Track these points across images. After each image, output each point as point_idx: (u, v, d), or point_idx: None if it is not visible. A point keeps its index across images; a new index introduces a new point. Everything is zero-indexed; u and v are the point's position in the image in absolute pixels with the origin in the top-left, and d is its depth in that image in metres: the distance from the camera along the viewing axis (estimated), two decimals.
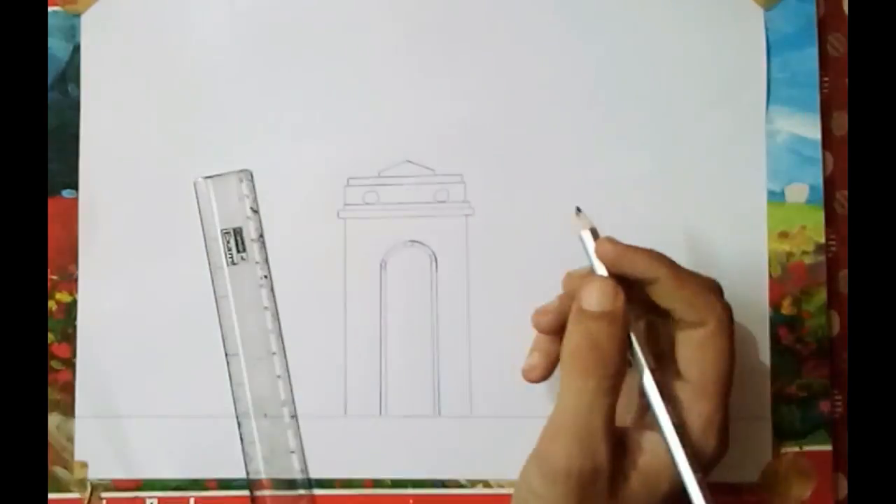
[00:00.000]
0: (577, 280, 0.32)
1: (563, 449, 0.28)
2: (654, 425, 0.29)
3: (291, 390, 0.38)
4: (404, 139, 0.38)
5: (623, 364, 0.29)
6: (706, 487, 0.28)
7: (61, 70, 0.39)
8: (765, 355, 0.37)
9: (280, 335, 0.38)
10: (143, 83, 0.39)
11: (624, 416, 0.31)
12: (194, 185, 0.38)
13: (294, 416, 0.37)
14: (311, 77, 0.38)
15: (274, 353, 0.38)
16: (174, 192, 0.38)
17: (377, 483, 0.37)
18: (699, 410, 0.29)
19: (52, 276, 0.38)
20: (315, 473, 0.37)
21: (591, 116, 0.38)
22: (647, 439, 0.30)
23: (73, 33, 0.39)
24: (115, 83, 0.39)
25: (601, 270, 0.31)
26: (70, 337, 0.38)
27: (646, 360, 0.30)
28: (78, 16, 0.39)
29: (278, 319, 0.38)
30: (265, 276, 0.38)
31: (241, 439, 0.37)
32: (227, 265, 0.38)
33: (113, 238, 0.39)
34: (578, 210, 0.32)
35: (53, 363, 0.38)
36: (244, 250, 0.38)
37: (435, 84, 0.38)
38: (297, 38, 0.39)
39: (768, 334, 0.37)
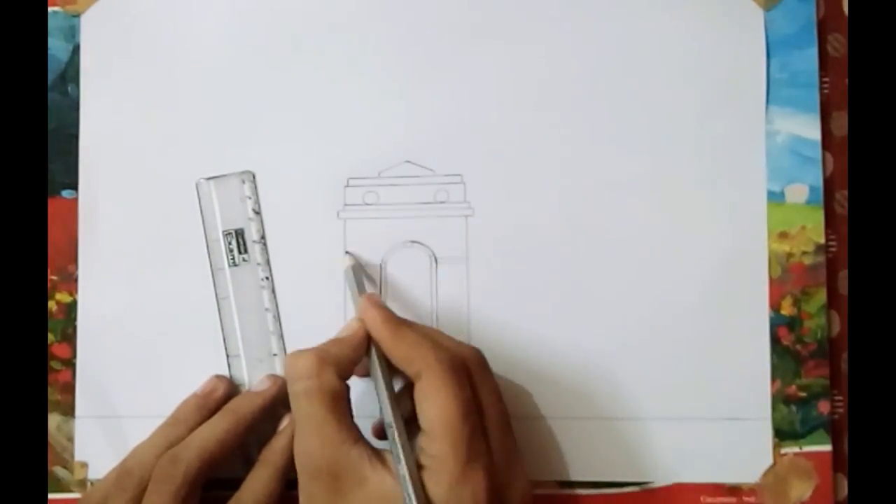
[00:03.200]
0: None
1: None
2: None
3: None
4: (404, 139, 0.38)
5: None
6: None
7: (61, 70, 0.39)
8: (765, 355, 0.37)
9: (281, 337, 0.38)
10: (143, 84, 0.39)
11: None
12: (196, 185, 0.38)
13: None
14: (311, 77, 0.38)
15: (275, 355, 0.38)
16: (174, 192, 0.38)
17: None
18: (431, 452, 0.30)
19: (52, 277, 0.38)
20: None
21: (590, 116, 0.38)
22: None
23: (72, 33, 0.39)
24: (114, 83, 0.39)
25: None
26: (70, 337, 0.38)
27: (391, 410, 0.31)
28: (78, 16, 0.39)
29: (279, 321, 0.38)
30: (266, 278, 0.38)
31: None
32: (229, 266, 0.38)
33: (113, 238, 0.38)
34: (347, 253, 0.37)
35: (53, 363, 0.38)
36: (245, 251, 0.38)
37: (435, 84, 0.38)
38: (297, 38, 0.39)
39: (768, 334, 0.37)
